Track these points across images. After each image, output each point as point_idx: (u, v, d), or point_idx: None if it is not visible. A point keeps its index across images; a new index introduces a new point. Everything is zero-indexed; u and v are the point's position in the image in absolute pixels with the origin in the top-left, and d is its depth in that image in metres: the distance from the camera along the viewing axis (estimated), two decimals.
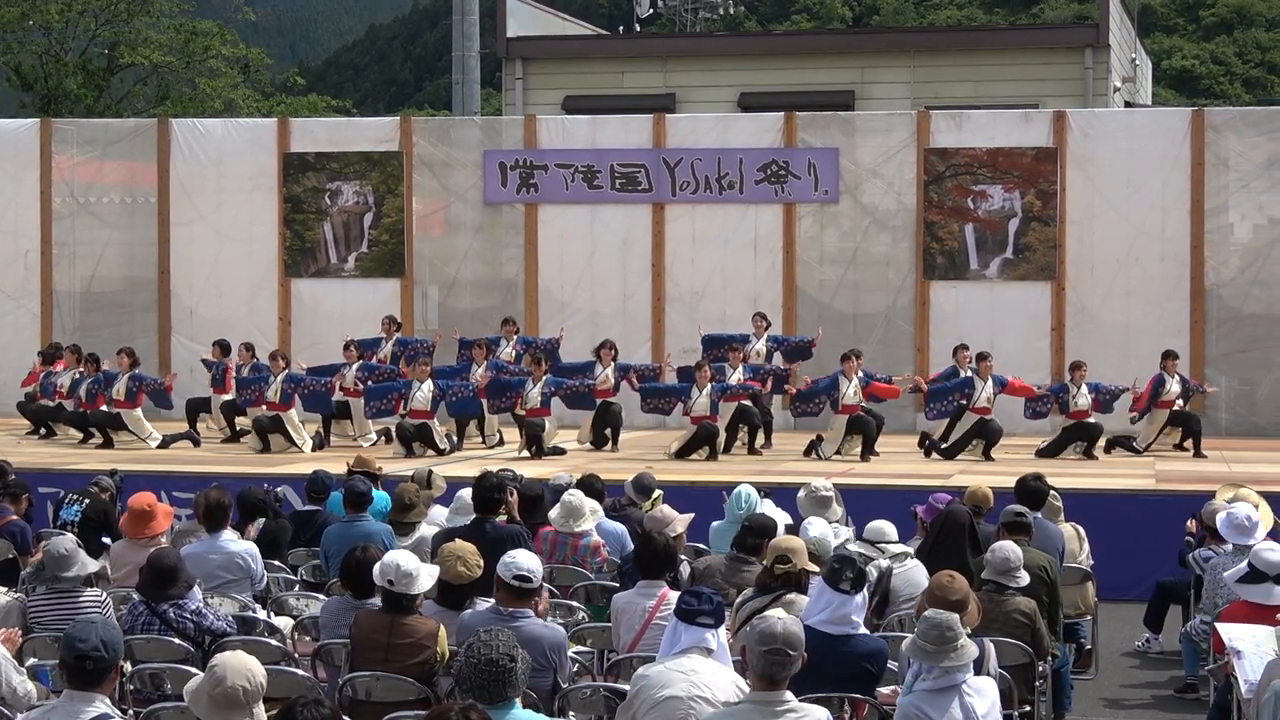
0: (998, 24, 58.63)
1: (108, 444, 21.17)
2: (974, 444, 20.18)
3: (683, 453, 19.93)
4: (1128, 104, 34.51)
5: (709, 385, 20.20)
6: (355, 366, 21.51)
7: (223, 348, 22.63)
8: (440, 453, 20.04)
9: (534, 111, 30.29)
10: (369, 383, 21.19)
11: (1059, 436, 20.45)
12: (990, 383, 20.23)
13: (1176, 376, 20.81)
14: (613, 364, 21.04)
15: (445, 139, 25.71)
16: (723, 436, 20.10)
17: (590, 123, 25.71)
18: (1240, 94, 63.96)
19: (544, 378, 20.43)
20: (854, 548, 10.74)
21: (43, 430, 22.47)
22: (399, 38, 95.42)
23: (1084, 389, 20.47)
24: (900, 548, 10.64)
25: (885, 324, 24.19)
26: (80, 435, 21.75)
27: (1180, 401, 20.80)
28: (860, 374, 20.21)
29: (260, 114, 39.90)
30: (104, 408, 21.32)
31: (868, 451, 19.92)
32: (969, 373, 20.55)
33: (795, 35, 48.00)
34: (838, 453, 19.96)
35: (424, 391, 20.44)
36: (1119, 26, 35.18)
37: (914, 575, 10.39)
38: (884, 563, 10.46)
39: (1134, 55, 37.84)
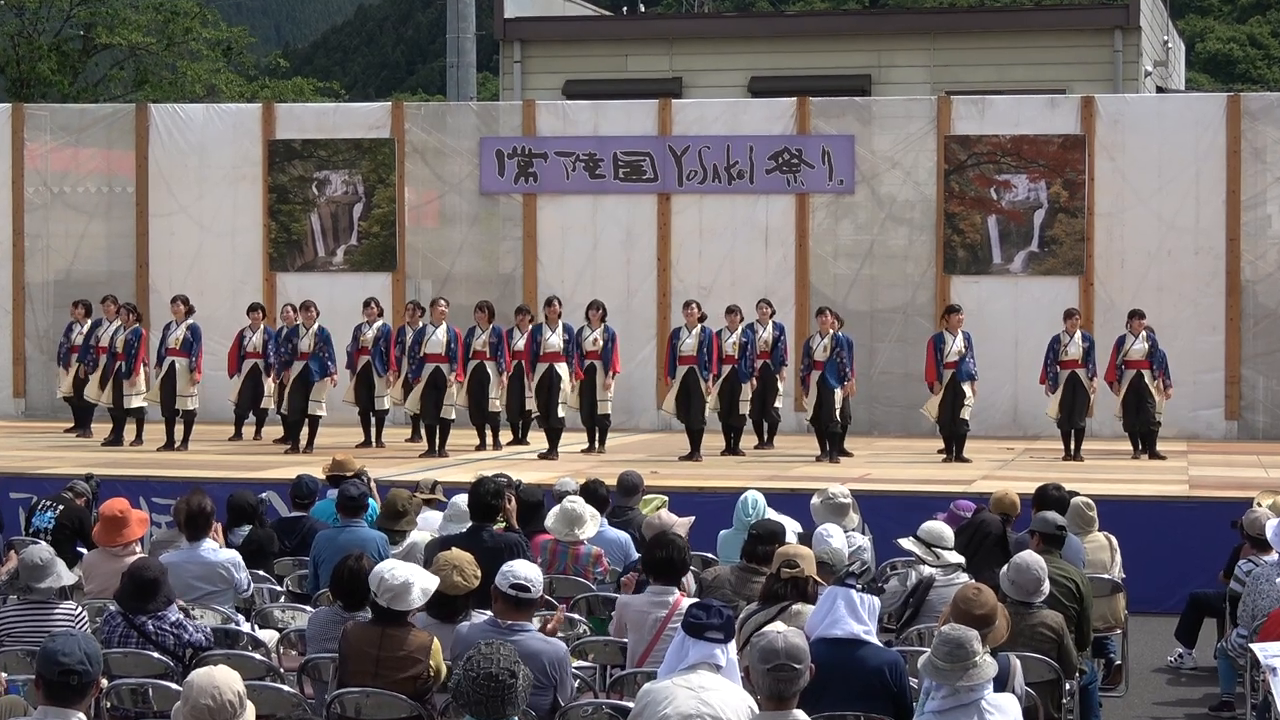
0: (1022, 4, 58.43)
1: (117, 440, 21.52)
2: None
3: (680, 408, 20.44)
4: (1159, 89, 34.49)
5: (698, 326, 20.50)
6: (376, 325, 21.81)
7: (86, 307, 23.17)
8: (442, 425, 20.55)
9: (533, 96, 30.29)
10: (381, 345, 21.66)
11: (1061, 396, 20.47)
12: (960, 337, 20.35)
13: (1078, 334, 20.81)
14: (601, 325, 21.01)
15: (439, 126, 25.72)
16: (714, 399, 20.64)
17: (592, 108, 25.71)
18: (1278, 79, 63.91)
19: (560, 322, 20.73)
20: (906, 544, 10.72)
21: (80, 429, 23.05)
22: (390, 18, 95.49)
23: (1077, 336, 20.54)
24: (956, 558, 10.52)
25: (903, 321, 24.19)
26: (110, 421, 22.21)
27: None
28: (833, 333, 20.36)
29: (244, 99, 39.96)
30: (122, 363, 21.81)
31: (826, 417, 20.13)
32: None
33: (809, 16, 47.96)
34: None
35: (439, 335, 20.75)
36: (1150, 7, 35.15)
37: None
38: (928, 570, 10.41)
39: (1166, 38, 37.81)
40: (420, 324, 21.08)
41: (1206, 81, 58.55)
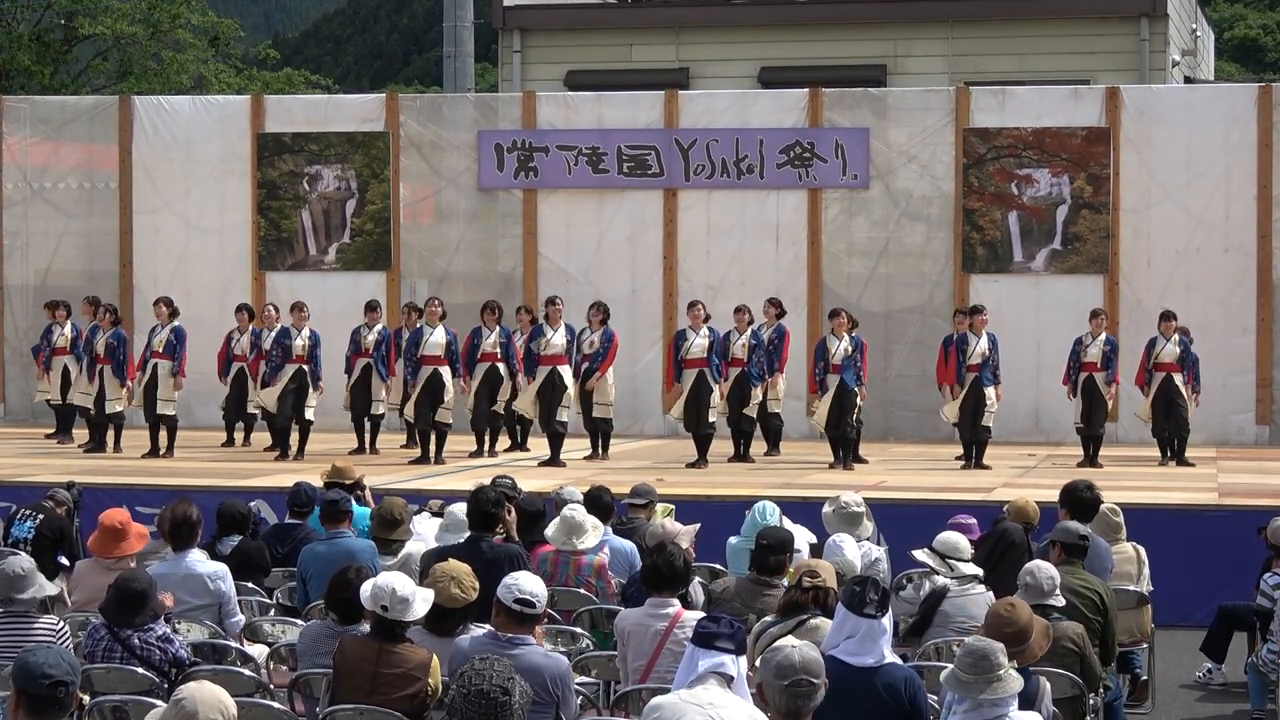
0: None
1: (99, 446, 21.56)
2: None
3: (688, 414, 20.45)
4: (1188, 79, 34.46)
5: (704, 328, 20.53)
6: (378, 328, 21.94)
7: (66, 308, 23.38)
8: (438, 431, 20.57)
9: (533, 88, 30.27)
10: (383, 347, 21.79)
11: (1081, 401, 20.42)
12: (985, 338, 20.28)
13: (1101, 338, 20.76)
14: (602, 328, 21.00)
15: (436, 118, 25.73)
16: (720, 401, 20.61)
17: (595, 100, 25.72)
18: None
19: (562, 322, 20.78)
20: (921, 556, 10.74)
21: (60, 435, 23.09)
22: (384, 6, 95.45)
23: (1100, 339, 20.50)
24: (972, 569, 10.56)
25: (920, 322, 24.18)
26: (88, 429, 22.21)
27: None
28: (849, 335, 20.31)
29: (232, 91, 39.96)
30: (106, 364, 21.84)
31: (844, 422, 20.07)
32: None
33: (821, 4, 47.80)
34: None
35: (437, 337, 20.71)
36: None
37: (973, 604, 10.30)
38: (942, 581, 10.42)
39: (1194, 25, 37.77)
40: (417, 325, 21.10)
41: (1236, 71, 58.49)
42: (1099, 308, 21.47)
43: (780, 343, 21.54)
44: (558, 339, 20.64)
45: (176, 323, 21.80)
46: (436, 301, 21.24)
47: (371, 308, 21.95)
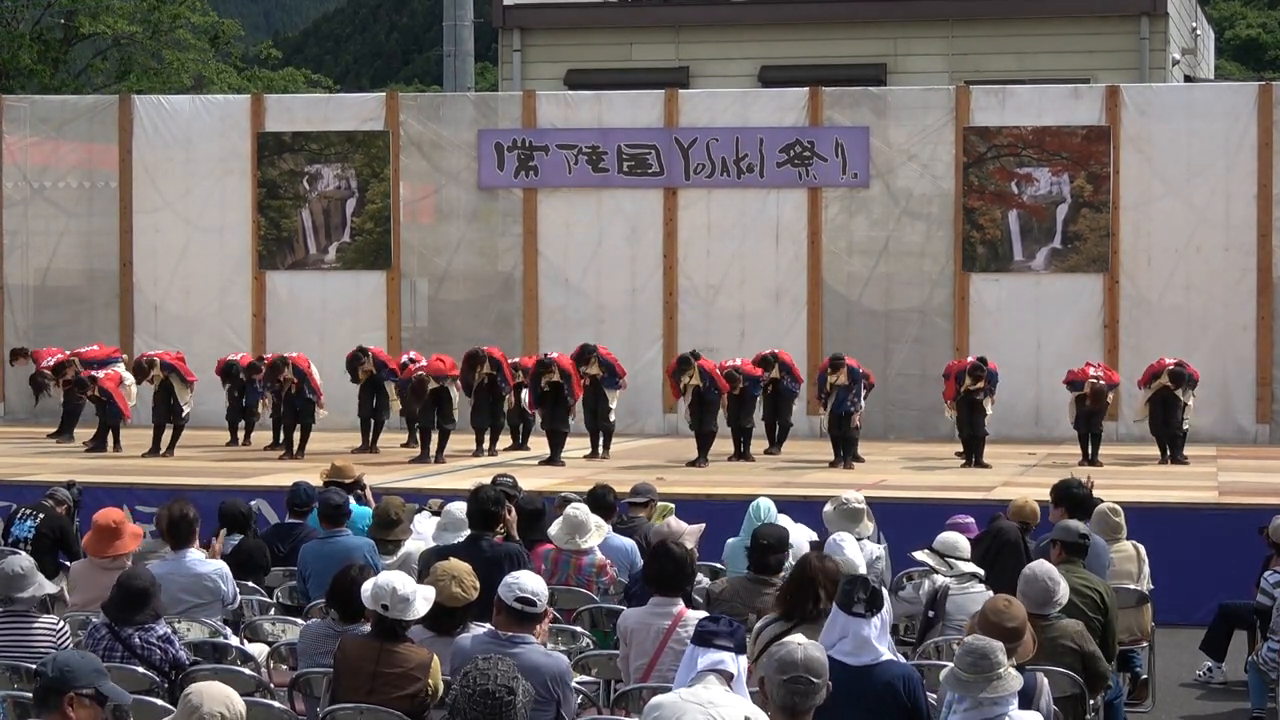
0: None
1: (99, 445, 21.59)
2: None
3: (692, 413, 20.51)
4: (1188, 78, 34.46)
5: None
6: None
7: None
8: (441, 431, 20.53)
9: (533, 87, 30.27)
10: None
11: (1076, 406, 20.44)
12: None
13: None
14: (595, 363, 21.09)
15: (436, 117, 25.73)
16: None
17: (595, 99, 25.73)
18: None
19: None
20: (920, 556, 10.75)
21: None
22: (384, 5, 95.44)
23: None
24: (970, 568, 10.57)
25: (920, 321, 24.19)
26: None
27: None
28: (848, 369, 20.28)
29: (232, 90, 39.92)
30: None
31: (843, 422, 20.14)
32: None
33: (821, 3, 47.79)
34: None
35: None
36: None
37: (973, 602, 10.28)
38: (941, 580, 10.43)
39: (1194, 24, 37.75)
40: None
41: (1236, 70, 58.48)
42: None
43: (790, 390, 21.59)
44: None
45: (164, 361, 21.83)
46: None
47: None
